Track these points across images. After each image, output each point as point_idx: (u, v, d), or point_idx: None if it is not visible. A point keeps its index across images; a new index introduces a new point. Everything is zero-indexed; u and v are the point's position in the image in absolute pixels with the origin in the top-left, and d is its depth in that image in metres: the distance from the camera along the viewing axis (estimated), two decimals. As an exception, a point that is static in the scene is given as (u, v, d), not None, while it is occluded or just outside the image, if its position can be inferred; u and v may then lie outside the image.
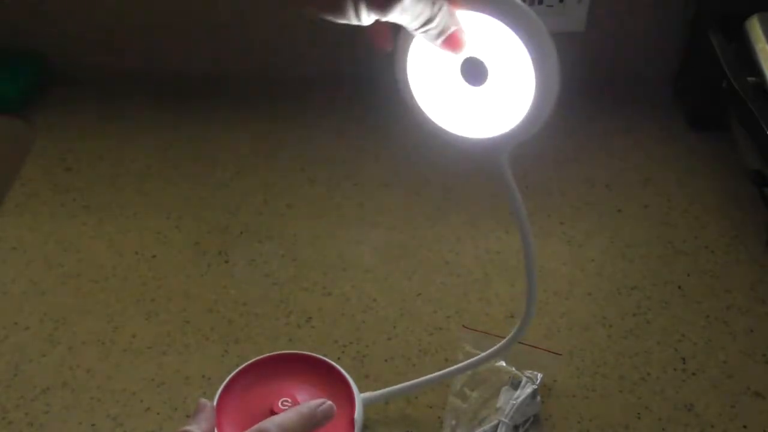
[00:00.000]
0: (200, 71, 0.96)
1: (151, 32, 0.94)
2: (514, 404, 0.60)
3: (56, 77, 0.94)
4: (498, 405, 0.61)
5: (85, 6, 0.92)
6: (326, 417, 0.54)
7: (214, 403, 0.59)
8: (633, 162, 0.86)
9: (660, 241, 0.77)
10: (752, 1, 0.81)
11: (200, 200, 0.81)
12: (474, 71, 0.48)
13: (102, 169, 0.85)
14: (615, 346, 0.67)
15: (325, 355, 0.64)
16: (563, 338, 0.68)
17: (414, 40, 0.47)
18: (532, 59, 0.46)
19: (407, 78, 0.49)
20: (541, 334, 0.68)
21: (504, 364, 0.64)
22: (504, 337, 0.65)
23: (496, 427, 0.60)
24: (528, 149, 0.87)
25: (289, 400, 0.58)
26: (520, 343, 0.65)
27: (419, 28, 0.44)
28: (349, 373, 0.62)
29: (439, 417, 0.62)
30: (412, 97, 0.49)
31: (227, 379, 0.61)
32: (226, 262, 0.75)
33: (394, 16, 0.42)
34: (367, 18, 0.42)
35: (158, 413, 0.62)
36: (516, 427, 0.60)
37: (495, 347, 0.60)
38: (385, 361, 0.66)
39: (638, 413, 0.62)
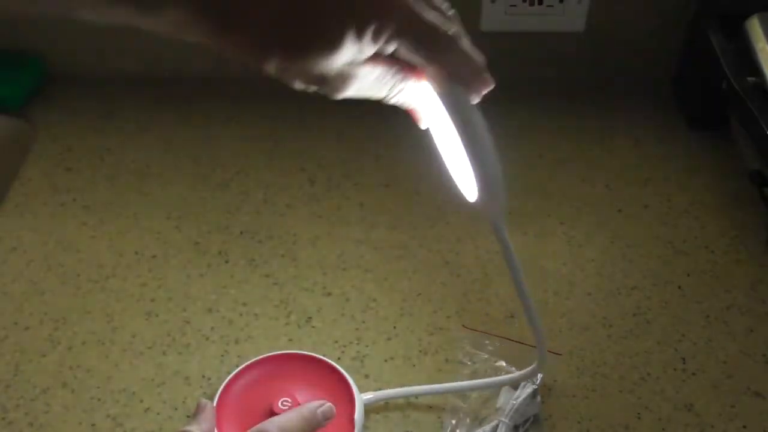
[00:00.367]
0: (200, 71, 0.95)
1: (151, 32, 0.93)
2: (514, 404, 0.60)
3: (56, 77, 0.94)
4: (498, 405, 0.61)
5: (86, 5, 0.91)
6: (326, 418, 0.54)
7: (214, 403, 0.59)
8: (633, 162, 0.86)
9: (660, 241, 0.77)
10: (752, 1, 0.81)
11: (200, 200, 0.81)
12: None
13: (102, 169, 0.85)
14: (615, 346, 0.67)
15: (325, 355, 0.64)
16: (563, 338, 0.68)
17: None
18: (464, 150, 0.45)
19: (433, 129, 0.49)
20: (541, 334, 0.68)
21: (504, 364, 0.64)
22: (504, 338, 0.65)
23: (496, 427, 0.60)
24: (528, 149, 0.88)
25: (289, 400, 0.58)
26: (519, 343, 0.65)
27: (385, 99, 0.45)
28: (349, 373, 0.62)
29: (439, 417, 0.62)
30: (435, 145, 0.50)
31: (227, 379, 0.61)
32: (226, 262, 0.75)
33: (350, 95, 0.43)
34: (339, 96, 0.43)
35: (158, 413, 0.62)
36: (516, 427, 0.60)
37: (521, 372, 0.61)
38: (385, 361, 0.66)
39: (638, 413, 0.62)
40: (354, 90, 0.43)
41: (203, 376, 0.65)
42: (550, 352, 0.63)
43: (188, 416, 0.62)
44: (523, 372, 0.61)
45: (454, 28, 0.43)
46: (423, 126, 0.47)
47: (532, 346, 0.64)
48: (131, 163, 0.85)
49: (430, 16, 0.41)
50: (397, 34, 0.40)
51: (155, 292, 0.72)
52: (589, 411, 0.62)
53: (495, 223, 0.50)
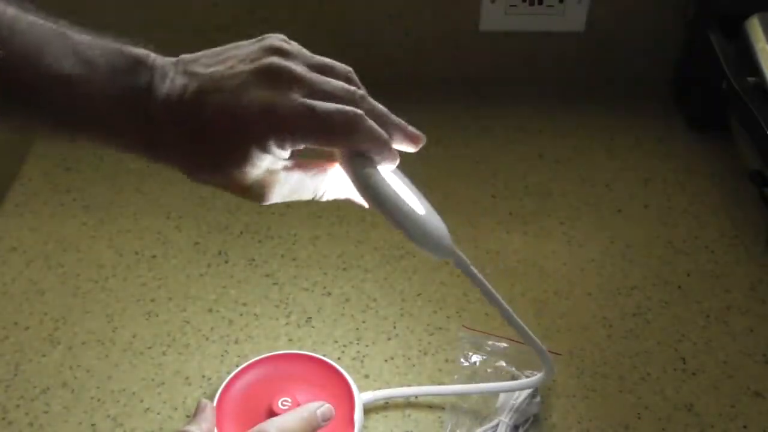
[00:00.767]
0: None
1: (152, 32, 0.93)
2: (514, 404, 0.60)
3: (56, 77, 0.94)
4: (498, 405, 0.61)
5: (85, 5, 0.91)
6: (325, 419, 0.54)
7: (214, 403, 0.59)
8: (633, 162, 0.86)
9: (660, 241, 0.77)
10: (752, 1, 0.81)
11: (200, 200, 0.81)
12: None
13: (102, 169, 0.85)
14: (615, 346, 0.67)
15: (325, 355, 0.64)
16: (563, 338, 0.68)
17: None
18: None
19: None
20: (541, 334, 0.68)
21: (504, 364, 0.64)
22: (504, 338, 0.65)
23: (496, 427, 0.60)
24: (528, 149, 0.88)
25: (289, 399, 0.58)
26: (519, 343, 0.65)
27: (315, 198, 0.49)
28: (349, 373, 0.62)
29: (439, 417, 0.62)
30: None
31: (227, 379, 0.61)
32: (226, 262, 0.75)
33: (278, 200, 0.49)
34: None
35: (158, 413, 0.62)
36: (516, 427, 0.60)
37: (528, 380, 0.61)
38: (385, 361, 0.66)
39: (638, 413, 0.62)
40: (279, 196, 0.47)
41: (203, 376, 0.65)
42: (550, 352, 0.63)
43: (188, 416, 0.62)
44: (527, 381, 0.61)
45: (352, 107, 0.44)
46: (366, 206, 0.48)
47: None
48: (131, 163, 0.85)
49: (327, 102, 0.43)
50: (300, 137, 0.43)
51: (155, 292, 0.72)
52: (589, 411, 0.62)
53: (456, 261, 0.52)
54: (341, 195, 0.50)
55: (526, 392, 0.61)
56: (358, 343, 0.67)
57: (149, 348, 0.67)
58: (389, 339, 0.68)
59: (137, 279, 0.73)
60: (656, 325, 0.69)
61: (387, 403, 0.63)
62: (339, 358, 0.66)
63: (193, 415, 0.55)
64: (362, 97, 0.45)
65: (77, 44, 0.44)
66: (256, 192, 0.47)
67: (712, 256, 0.75)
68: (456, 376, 0.64)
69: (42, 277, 0.73)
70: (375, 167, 0.46)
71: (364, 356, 0.66)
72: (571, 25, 0.92)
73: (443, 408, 0.62)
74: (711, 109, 0.86)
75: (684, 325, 0.69)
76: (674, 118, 0.92)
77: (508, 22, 0.92)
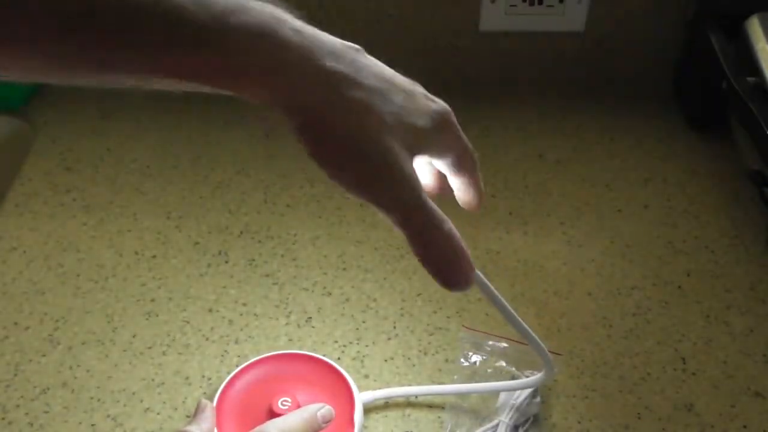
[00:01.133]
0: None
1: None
2: (514, 404, 0.60)
3: (56, 77, 0.94)
4: (498, 405, 0.61)
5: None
6: (326, 421, 0.55)
7: (214, 403, 0.59)
8: (633, 162, 0.86)
9: (660, 241, 0.77)
10: (752, 1, 0.81)
11: (200, 200, 0.81)
12: None
13: (102, 169, 0.85)
14: (615, 346, 0.67)
15: (324, 355, 0.64)
16: (563, 338, 0.68)
17: None
18: None
19: None
20: (541, 334, 0.68)
21: (504, 364, 0.64)
22: (504, 338, 0.65)
23: (496, 427, 0.60)
24: (528, 149, 0.88)
25: (289, 399, 0.58)
26: (520, 343, 0.65)
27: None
28: (349, 373, 0.62)
29: (439, 417, 0.62)
30: None
31: (227, 379, 0.61)
32: (226, 262, 0.75)
33: None
34: None
35: (158, 413, 0.62)
36: (516, 427, 0.60)
37: (529, 379, 0.61)
38: (385, 361, 0.66)
39: (638, 413, 0.62)
40: None
41: (203, 376, 0.65)
42: (550, 352, 0.63)
43: (188, 416, 0.62)
44: (527, 380, 0.61)
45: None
46: None
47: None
48: (131, 163, 0.85)
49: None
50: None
51: (155, 292, 0.72)
52: (589, 411, 0.62)
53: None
54: None
55: (526, 392, 0.61)
56: (358, 343, 0.67)
57: (149, 348, 0.67)
58: (389, 339, 0.68)
59: (137, 279, 0.73)
60: (656, 325, 0.69)
61: (387, 402, 0.63)
62: (339, 358, 0.66)
63: (193, 416, 0.55)
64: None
65: None
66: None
67: (712, 256, 0.75)
68: (456, 376, 0.64)
69: (42, 277, 0.73)
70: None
71: (364, 356, 0.66)
72: (571, 25, 0.92)
73: (443, 408, 0.62)
74: (711, 109, 0.86)
75: (684, 325, 0.69)
76: (674, 118, 0.92)
77: (508, 22, 0.92)
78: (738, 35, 0.81)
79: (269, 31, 0.39)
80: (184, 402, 0.63)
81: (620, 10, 0.92)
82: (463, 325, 0.68)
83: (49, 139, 0.88)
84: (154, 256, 0.75)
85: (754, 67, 0.77)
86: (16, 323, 0.69)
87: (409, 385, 0.64)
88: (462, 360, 0.65)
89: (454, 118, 0.45)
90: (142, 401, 0.63)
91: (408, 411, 0.63)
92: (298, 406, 0.58)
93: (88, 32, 0.36)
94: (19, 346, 0.67)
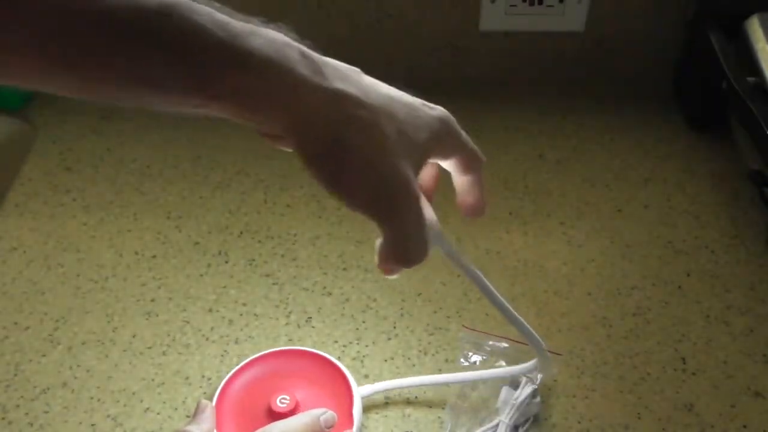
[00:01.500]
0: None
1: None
2: (514, 404, 0.60)
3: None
4: (498, 405, 0.61)
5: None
6: (328, 426, 0.55)
7: (213, 402, 0.59)
8: (633, 162, 0.86)
9: (660, 241, 0.77)
10: (752, 1, 0.81)
11: (200, 200, 0.81)
12: None
13: (102, 169, 0.85)
14: (615, 346, 0.67)
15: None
16: (563, 338, 0.68)
17: None
18: None
19: None
20: (541, 334, 0.68)
21: (504, 364, 0.64)
22: (504, 337, 0.65)
23: (496, 427, 0.60)
24: (528, 149, 0.88)
25: (288, 397, 0.58)
26: (519, 343, 0.65)
27: None
28: (349, 372, 0.62)
29: (439, 417, 0.62)
30: None
31: (226, 378, 0.61)
32: (226, 262, 0.75)
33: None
34: None
35: (158, 413, 0.62)
36: (516, 427, 0.60)
37: (523, 366, 0.62)
38: (385, 361, 0.66)
39: (638, 413, 0.62)
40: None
41: (203, 376, 0.65)
42: (550, 352, 0.63)
43: (188, 416, 0.62)
44: (521, 367, 0.61)
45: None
46: None
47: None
48: (131, 163, 0.85)
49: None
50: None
51: (155, 292, 0.72)
52: (589, 411, 0.62)
53: (447, 252, 0.52)
54: None
55: (526, 392, 0.61)
56: (358, 343, 0.67)
57: (149, 348, 0.67)
58: (389, 339, 0.68)
59: (137, 279, 0.73)
60: (656, 325, 0.69)
61: (387, 402, 0.63)
62: (339, 358, 0.66)
63: (193, 416, 0.55)
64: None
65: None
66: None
67: (712, 256, 0.75)
68: (455, 376, 0.64)
69: (42, 277, 0.73)
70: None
71: (364, 356, 0.66)
72: (571, 25, 0.92)
73: (443, 408, 0.62)
74: (711, 109, 0.86)
75: (684, 325, 0.69)
76: (674, 118, 0.92)
77: (508, 22, 0.92)
78: (738, 35, 0.81)
79: (281, 55, 0.39)
80: (184, 402, 0.63)
81: (620, 10, 0.92)
82: (463, 325, 0.68)
83: (49, 139, 0.88)
84: (154, 256, 0.75)
85: (754, 67, 0.77)
86: (16, 323, 0.69)
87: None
88: (462, 360, 0.65)
89: (454, 123, 0.46)
90: (142, 401, 0.63)
91: (408, 411, 0.63)
92: (297, 404, 0.58)
93: (109, 53, 0.36)
94: (19, 346, 0.67)
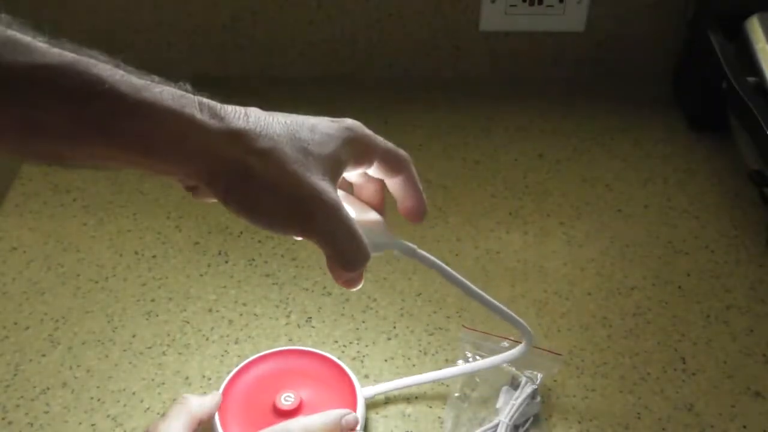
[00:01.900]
0: (200, 71, 0.96)
1: (152, 32, 0.94)
2: (514, 404, 0.60)
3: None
4: (498, 405, 0.61)
5: (86, 6, 0.92)
6: (350, 428, 0.56)
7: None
8: (633, 162, 0.86)
9: (660, 241, 0.77)
10: (752, 1, 0.81)
11: (200, 200, 0.81)
12: None
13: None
14: (615, 346, 0.67)
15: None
16: (563, 338, 0.68)
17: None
18: None
19: None
20: (541, 334, 0.68)
21: (504, 363, 0.64)
22: (504, 337, 0.65)
23: (496, 427, 0.60)
24: (528, 149, 0.88)
25: (292, 395, 0.58)
26: (519, 343, 0.65)
27: None
28: (349, 372, 0.62)
29: (439, 417, 0.62)
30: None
31: (230, 375, 0.61)
32: (226, 262, 0.75)
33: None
34: None
35: (158, 413, 0.62)
36: (516, 427, 0.60)
37: (509, 352, 0.62)
38: (385, 361, 0.66)
39: (638, 413, 0.62)
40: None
41: (203, 376, 0.65)
42: (550, 352, 0.63)
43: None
44: (509, 353, 0.62)
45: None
46: None
47: (532, 346, 0.64)
48: (131, 163, 0.85)
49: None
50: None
51: (155, 292, 0.72)
52: (589, 411, 0.62)
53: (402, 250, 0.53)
54: None
55: (526, 392, 0.61)
56: (358, 343, 0.67)
57: (149, 348, 0.67)
58: (389, 339, 0.68)
59: (137, 279, 0.73)
60: (656, 325, 0.69)
61: (387, 402, 0.63)
62: (339, 358, 0.66)
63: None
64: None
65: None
66: None
67: (712, 256, 0.75)
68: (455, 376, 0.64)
69: (42, 277, 0.73)
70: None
71: (364, 356, 0.66)
72: (571, 25, 0.92)
73: (443, 408, 0.62)
74: (711, 109, 0.86)
75: (684, 325, 0.69)
76: (674, 118, 0.92)
77: (508, 22, 0.92)
78: (738, 35, 0.81)
79: (179, 104, 0.41)
80: (184, 402, 0.63)
81: (620, 11, 0.92)
82: (463, 325, 0.68)
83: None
84: (154, 256, 0.75)
85: (754, 67, 0.77)
86: (16, 323, 0.69)
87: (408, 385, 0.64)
88: (462, 360, 0.65)
89: (363, 127, 0.48)
90: (142, 401, 0.63)
91: (408, 411, 0.63)
92: (301, 402, 0.58)
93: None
94: (19, 346, 0.67)
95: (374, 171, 0.50)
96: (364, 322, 0.69)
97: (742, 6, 0.81)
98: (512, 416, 0.60)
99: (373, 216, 0.52)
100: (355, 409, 0.59)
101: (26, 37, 0.38)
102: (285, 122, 0.45)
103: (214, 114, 0.43)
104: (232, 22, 0.93)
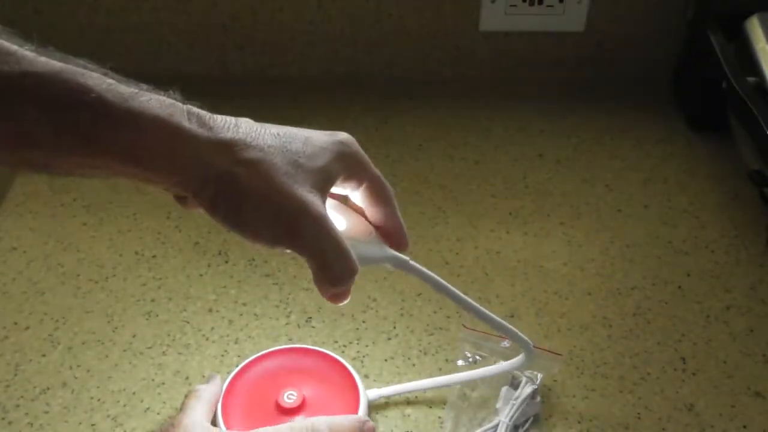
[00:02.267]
0: (200, 71, 0.96)
1: (152, 32, 0.94)
2: (514, 404, 0.60)
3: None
4: (498, 405, 0.61)
5: (86, 6, 0.92)
6: None
7: (220, 397, 0.60)
8: (633, 162, 0.86)
9: (660, 241, 0.77)
10: (752, 1, 0.81)
11: (200, 200, 0.81)
12: None
13: (102, 169, 0.85)
14: (615, 346, 0.67)
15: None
16: (563, 338, 0.68)
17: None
18: None
19: None
20: (541, 334, 0.68)
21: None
22: (504, 338, 0.65)
23: (496, 427, 0.60)
24: (528, 149, 0.88)
25: (295, 393, 0.59)
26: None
27: None
28: (349, 373, 0.62)
29: (439, 417, 0.62)
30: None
31: (233, 372, 0.61)
32: (226, 262, 0.75)
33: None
34: None
35: (158, 413, 0.62)
36: (516, 427, 0.60)
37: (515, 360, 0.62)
38: (385, 361, 0.66)
39: (638, 413, 0.62)
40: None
41: (203, 376, 0.65)
42: (550, 352, 0.63)
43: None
44: (509, 363, 0.62)
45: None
46: None
47: (533, 346, 0.64)
48: (131, 163, 0.85)
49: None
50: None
51: (155, 292, 0.72)
52: (589, 411, 0.62)
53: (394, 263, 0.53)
54: None
55: (526, 392, 0.61)
56: (358, 343, 0.67)
57: (149, 348, 0.67)
58: (389, 339, 0.68)
59: (137, 279, 0.73)
60: (656, 325, 0.69)
61: (387, 402, 0.63)
62: (339, 358, 0.66)
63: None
64: None
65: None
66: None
67: (712, 256, 0.75)
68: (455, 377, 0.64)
69: (42, 277, 0.73)
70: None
71: (364, 356, 0.66)
72: (571, 25, 0.92)
73: (443, 408, 0.62)
74: (711, 109, 0.86)
75: (684, 325, 0.69)
76: (674, 118, 0.92)
77: (508, 22, 0.92)
78: (738, 35, 0.81)
79: (167, 113, 0.41)
80: (184, 402, 0.63)
81: (620, 11, 0.92)
82: (463, 325, 0.68)
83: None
84: (154, 256, 0.75)
85: (754, 67, 0.77)
86: (16, 323, 0.69)
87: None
88: (462, 360, 0.65)
89: (356, 144, 0.48)
90: (142, 401, 0.63)
91: (408, 411, 0.63)
92: (304, 399, 0.58)
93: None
94: (19, 346, 0.67)
95: (360, 196, 0.50)
96: (364, 322, 0.69)
97: (742, 6, 0.81)
98: (512, 416, 0.60)
99: (364, 227, 0.51)
100: (357, 408, 0.59)
101: (13, 46, 0.38)
102: (277, 133, 0.45)
103: (202, 123, 0.43)
104: (232, 22, 0.93)
